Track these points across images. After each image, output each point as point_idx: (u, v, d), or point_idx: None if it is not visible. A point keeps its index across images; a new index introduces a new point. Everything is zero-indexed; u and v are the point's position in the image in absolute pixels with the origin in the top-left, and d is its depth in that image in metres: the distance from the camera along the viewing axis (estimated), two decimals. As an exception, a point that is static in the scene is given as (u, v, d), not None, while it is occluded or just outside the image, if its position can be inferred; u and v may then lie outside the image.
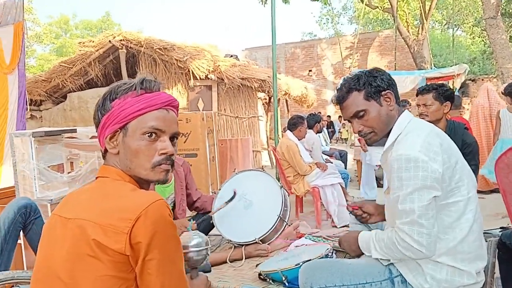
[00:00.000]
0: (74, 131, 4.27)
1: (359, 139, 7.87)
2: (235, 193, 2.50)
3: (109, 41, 8.63)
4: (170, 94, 1.16)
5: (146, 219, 0.95)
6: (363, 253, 1.66)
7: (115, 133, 1.10)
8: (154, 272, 0.96)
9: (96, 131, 1.14)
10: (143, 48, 8.50)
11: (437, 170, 1.41)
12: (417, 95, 3.01)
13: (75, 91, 9.65)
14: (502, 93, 4.90)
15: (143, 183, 1.13)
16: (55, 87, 9.61)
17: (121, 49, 8.55)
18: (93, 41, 9.16)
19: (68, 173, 4.11)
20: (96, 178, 1.14)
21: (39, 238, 2.60)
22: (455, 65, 11.41)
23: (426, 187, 1.41)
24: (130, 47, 8.62)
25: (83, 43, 9.37)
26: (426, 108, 2.83)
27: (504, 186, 1.76)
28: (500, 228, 2.38)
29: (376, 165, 6.28)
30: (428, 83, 3.18)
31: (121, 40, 8.57)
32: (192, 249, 1.35)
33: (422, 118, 2.78)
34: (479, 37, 22.13)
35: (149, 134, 1.08)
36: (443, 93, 2.82)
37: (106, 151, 1.14)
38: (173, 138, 1.14)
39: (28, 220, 2.53)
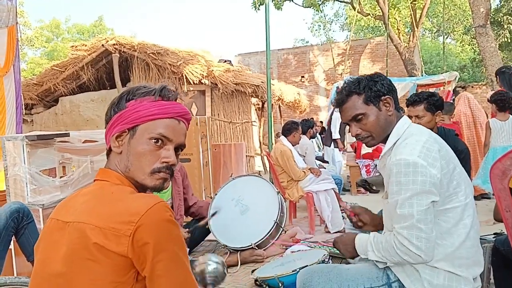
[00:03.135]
0: (67, 135, 4.23)
1: (351, 145, 7.91)
2: (216, 212, 2.44)
3: (102, 45, 8.60)
4: (185, 107, 1.16)
5: (149, 221, 0.94)
6: (357, 255, 1.66)
7: (122, 132, 1.10)
8: (164, 273, 0.96)
9: (105, 127, 1.14)
10: (137, 52, 8.48)
11: (436, 175, 1.42)
12: (407, 106, 2.88)
13: (67, 95, 9.58)
14: (488, 100, 4.93)
15: (139, 189, 1.12)
16: (46, 91, 9.52)
17: (114, 53, 8.51)
18: (86, 45, 9.12)
19: (61, 177, 4.06)
20: (94, 180, 1.13)
21: (31, 243, 2.57)
22: (446, 72, 11.56)
23: (425, 191, 1.41)
24: (123, 52, 8.59)
25: (76, 46, 9.32)
26: (418, 120, 2.76)
27: (498, 192, 1.77)
28: (494, 234, 2.40)
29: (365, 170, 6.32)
30: (419, 92, 3.05)
31: (114, 44, 8.54)
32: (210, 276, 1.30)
33: None
34: (468, 45, 22.43)
35: (155, 140, 1.08)
36: (434, 103, 2.76)
37: (110, 149, 1.14)
38: (177, 149, 1.14)
39: (21, 225, 2.49)
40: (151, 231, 0.95)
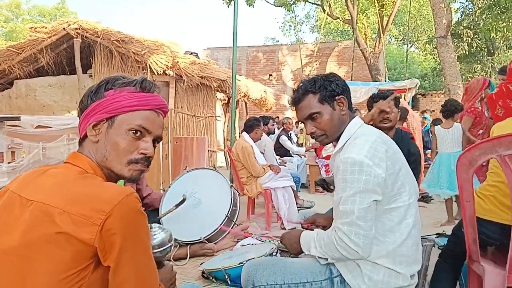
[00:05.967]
0: (18, 119, 4.05)
1: (312, 145, 8.03)
2: (184, 198, 2.43)
3: (64, 28, 8.23)
4: (163, 99, 1.17)
5: (121, 211, 0.94)
6: (302, 252, 1.68)
7: (100, 122, 1.10)
8: (128, 263, 0.96)
9: (78, 116, 1.14)
10: (100, 38, 8.19)
11: (380, 175, 1.46)
12: (376, 101, 2.88)
13: (23, 78, 9.12)
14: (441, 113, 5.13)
15: (112, 179, 1.12)
16: (0, 73, 9.03)
17: (76, 38, 8.18)
18: (46, 28, 8.70)
19: (9, 163, 3.89)
20: (64, 163, 1.11)
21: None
22: (408, 79, 11.97)
23: (368, 190, 1.45)
24: (85, 37, 8.27)
25: (35, 28, 8.87)
26: (389, 114, 2.78)
27: (461, 182, 1.85)
28: (436, 234, 2.50)
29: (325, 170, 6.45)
30: (382, 91, 3.16)
31: (76, 29, 8.20)
32: (156, 249, 1.30)
33: (385, 124, 2.72)
34: (430, 55, 23.30)
35: (134, 132, 1.10)
36: (397, 101, 2.85)
37: (84, 137, 1.13)
38: (154, 141, 1.15)
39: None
40: (122, 221, 0.95)
